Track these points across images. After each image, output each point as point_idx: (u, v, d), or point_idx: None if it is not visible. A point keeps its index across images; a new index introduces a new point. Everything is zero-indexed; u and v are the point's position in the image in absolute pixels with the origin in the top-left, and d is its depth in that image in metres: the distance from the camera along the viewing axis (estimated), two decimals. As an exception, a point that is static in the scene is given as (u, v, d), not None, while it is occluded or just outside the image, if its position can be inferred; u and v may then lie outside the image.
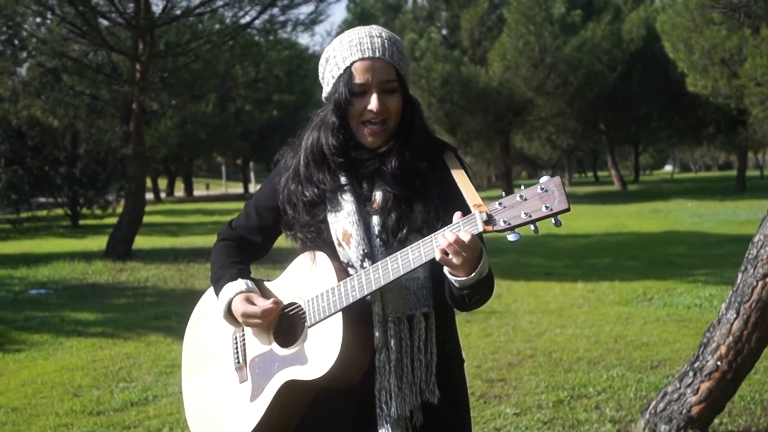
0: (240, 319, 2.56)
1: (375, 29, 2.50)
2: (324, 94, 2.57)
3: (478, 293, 2.36)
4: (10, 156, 23.71)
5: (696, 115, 39.51)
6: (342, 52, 2.47)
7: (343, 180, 2.53)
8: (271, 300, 2.52)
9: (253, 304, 2.52)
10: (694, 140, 47.34)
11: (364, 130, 2.47)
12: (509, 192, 2.26)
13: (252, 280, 2.66)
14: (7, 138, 22.96)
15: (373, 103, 2.43)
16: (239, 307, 2.53)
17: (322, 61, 2.56)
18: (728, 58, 28.33)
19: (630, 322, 9.16)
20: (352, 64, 2.44)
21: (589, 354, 7.62)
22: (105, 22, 16.83)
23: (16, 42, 14.78)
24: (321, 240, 2.53)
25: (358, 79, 2.43)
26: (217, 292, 2.66)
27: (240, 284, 2.58)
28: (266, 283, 2.69)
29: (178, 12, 17.05)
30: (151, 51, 16.08)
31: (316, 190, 2.54)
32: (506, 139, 39.08)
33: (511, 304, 10.60)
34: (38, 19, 16.14)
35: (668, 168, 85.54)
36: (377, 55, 2.43)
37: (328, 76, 2.52)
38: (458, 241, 2.21)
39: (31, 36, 15.51)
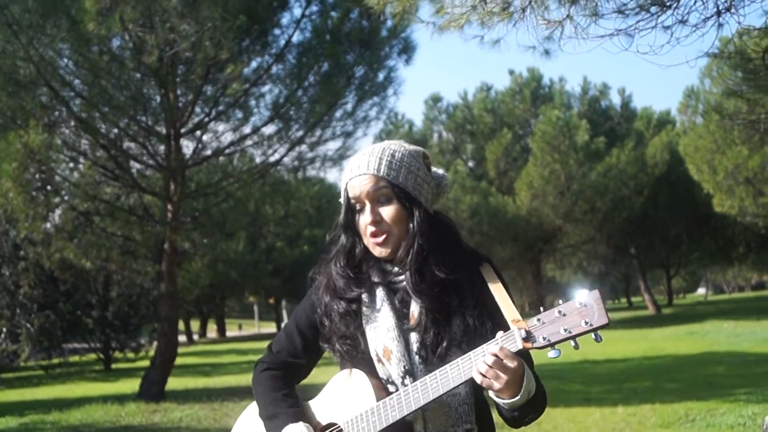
0: None
1: (372, 146, 2.58)
2: None
3: (529, 413, 2.33)
4: (42, 301, 23.84)
5: (725, 235, 39.41)
6: (343, 174, 2.58)
7: (379, 294, 2.53)
8: None
9: None
10: (725, 261, 47.07)
11: (371, 242, 2.52)
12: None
13: (304, 413, 2.61)
14: (40, 283, 23.11)
15: (367, 215, 2.49)
16: None
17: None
18: (752, 177, 28.39)
19: (674, 445, 8.94)
20: (347, 183, 2.53)
21: (634, 478, 7.42)
22: (137, 165, 17.17)
23: (49, 187, 15.04)
24: (358, 352, 2.52)
25: (351, 194, 2.51)
26: (271, 429, 2.58)
27: (300, 428, 2.50)
28: (309, 403, 2.65)
29: (209, 152, 17.38)
30: (182, 191, 16.34)
31: (344, 303, 2.55)
32: (537, 267, 39.03)
33: (551, 431, 10.39)
34: (71, 164, 16.48)
35: (701, 291, 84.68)
36: (363, 171, 2.49)
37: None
38: (496, 363, 2.18)
39: (64, 180, 15.82)
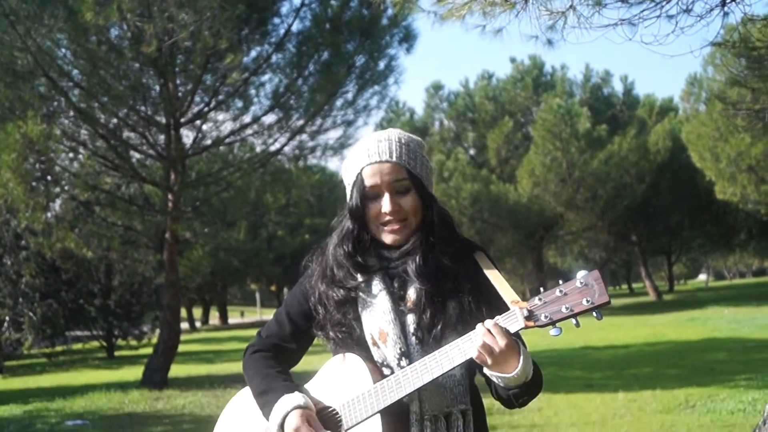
0: None
1: (386, 133, 2.57)
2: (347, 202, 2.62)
3: (526, 394, 2.34)
4: (44, 290, 23.86)
5: (727, 222, 39.45)
6: (354, 159, 2.55)
7: (375, 280, 2.55)
8: None
9: (311, 426, 2.43)
10: (726, 247, 47.24)
11: (384, 229, 2.52)
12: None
13: (298, 387, 2.61)
14: (42, 272, 23.12)
15: (386, 204, 2.49)
16: (294, 422, 2.42)
17: (342, 171, 2.63)
18: (755, 164, 28.44)
19: (674, 431, 8.96)
20: (361, 169, 2.50)
21: (634, 465, 7.44)
22: (137, 155, 17.15)
23: (49, 177, 15.03)
24: (352, 339, 2.53)
25: (368, 182, 2.50)
26: (265, 404, 2.57)
27: (298, 398, 2.48)
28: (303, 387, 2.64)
29: (209, 142, 17.36)
30: (182, 181, 16.30)
31: (342, 291, 2.56)
32: (539, 254, 39.08)
33: (552, 417, 10.41)
34: (71, 154, 16.47)
35: (702, 277, 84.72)
36: (384, 158, 2.48)
37: (346, 184, 2.60)
38: (487, 335, 2.23)
39: (64, 171, 15.81)
